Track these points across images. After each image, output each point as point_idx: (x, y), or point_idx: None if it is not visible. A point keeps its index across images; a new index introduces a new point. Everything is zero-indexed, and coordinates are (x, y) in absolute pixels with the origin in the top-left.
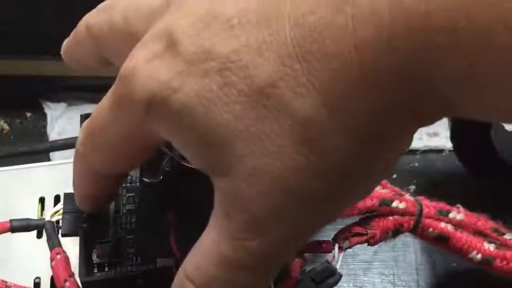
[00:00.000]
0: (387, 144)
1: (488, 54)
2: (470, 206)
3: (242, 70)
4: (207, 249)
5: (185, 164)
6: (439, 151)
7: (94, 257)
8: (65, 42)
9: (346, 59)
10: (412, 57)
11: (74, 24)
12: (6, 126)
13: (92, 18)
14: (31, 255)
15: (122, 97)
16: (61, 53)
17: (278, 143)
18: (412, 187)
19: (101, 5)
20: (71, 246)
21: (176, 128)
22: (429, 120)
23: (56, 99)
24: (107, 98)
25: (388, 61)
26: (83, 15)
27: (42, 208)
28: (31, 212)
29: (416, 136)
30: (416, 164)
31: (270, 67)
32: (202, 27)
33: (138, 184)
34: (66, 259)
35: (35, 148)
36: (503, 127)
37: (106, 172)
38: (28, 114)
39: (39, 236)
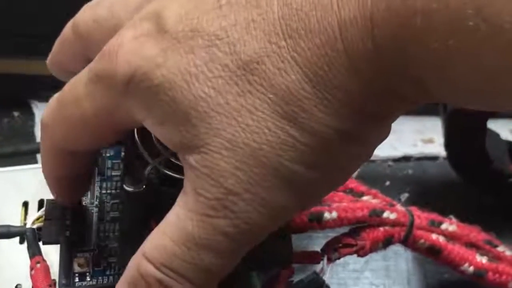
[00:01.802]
0: (369, 122)
1: (460, 35)
2: (464, 214)
3: (228, 46)
4: (171, 227)
5: (169, 173)
6: (434, 158)
7: (75, 266)
8: (52, 51)
9: (329, 37)
10: (391, 37)
11: (62, 23)
12: None
13: (77, 17)
14: (13, 261)
15: (101, 72)
16: (47, 62)
17: (259, 117)
18: (406, 195)
19: (86, 4)
20: (54, 251)
21: (155, 103)
22: (410, 102)
23: (44, 99)
24: (83, 73)
25: (369, 39)
26: (73, 13)
27: (26, 213)
28: (15, 217)
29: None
30: (410, 171)
31: (256, 44)
32: (191, 7)
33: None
34: (46, 268)
35: (21, 149)
36: (498, 135)
37: (71, 148)
38: (16, 114)
39: (21, 241)
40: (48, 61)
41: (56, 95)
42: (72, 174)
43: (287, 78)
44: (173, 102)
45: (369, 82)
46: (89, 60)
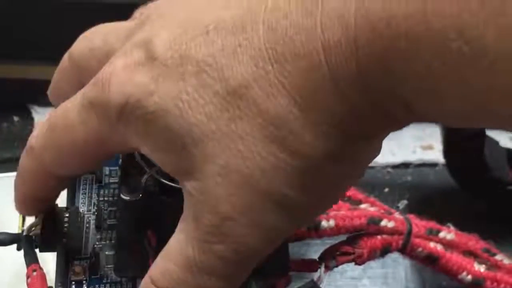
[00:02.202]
0: (358, 142)
1: (444, 58)
2: (462, 222)
3: (217, 72)
4: (174, 253)
5: (165, 182)
6: (433, 165)
7: (72, 274)
8: (52, 81)
9: (315, 60)
10: (376, 60)
11: (63, 29)
12: None
13: (73, 46)
14: (10, 268)
15: (94, 100)
16: (48, 92)
17: (249, 143)
18: (404, 202)
19: (82, 34)
20: (51, 258)
21: (149, 131)
22: (398, 122)
23: (44, 104)
24: (76, 99)
25: (354, 63)
26: (71, 19)
27: (24, 219)
28: (13, 223)
29: (409, 149)
30: (409, 178)
31: (243, 69)
32: (179, 34)
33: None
34: (43, 276)
35: (20, 154)
36: (497, 143)
37: (58, 172)
38: (16, 119)
39: (19, 248)
40: (48, 91)
41: (46, 119)
42: (50, 196)
43: (275, 102)
44: (168, 129)
45: (355, 104)
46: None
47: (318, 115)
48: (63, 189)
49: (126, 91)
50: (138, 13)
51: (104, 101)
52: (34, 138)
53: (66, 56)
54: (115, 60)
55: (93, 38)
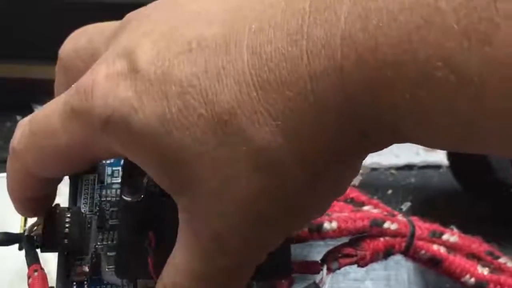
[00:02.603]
0: (341, 167)
1: (429, 86)
2: (466, 224)
3: (201, 94)
4: (181, 266)
5: None
6: (437, 167)
7: (73, 275)
8: None
9: (301, 90)
10: (363, 88)
11: (65, 28)
12: None
13: (61, 48)
14: (11, 267)
15: (77, 108)
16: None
17: (236, 168)
18: (408, 204)
19: (70, 35)
20: (53, 258)
21: (135, 147)
22: (380, 146)
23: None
24: (59, 105)
25: (341, 91)
26: (73, 18)
27: (26, 219)
28: (15, 223)
29: (413, 151)
30: (413, 180)
31: (228, 94)
32: (163, 47)
33: None
34: (44, 277)
35: None
36: None
37: (41, 174)
38: (19, 118)
39: (20, 248)
40: None
41: (27, 120)
42: (39, 196)
43: (260, 130)
44: (155, 148)
45: (341, 131)
46: None
47: (303, 143)
48: (52, 189)
49: (109, 104)
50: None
51: (87, 110)
52: (16, 140)
53: (58, 60)
54: (97, 68)
55: (79, 38)
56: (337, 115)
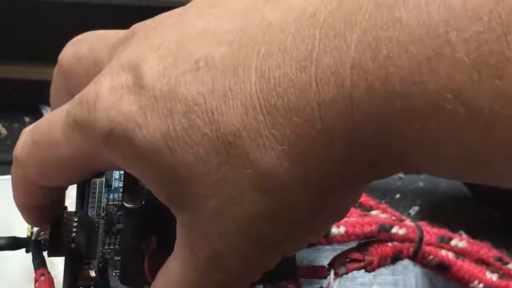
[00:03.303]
0: (344, 194)
1: (439, 118)
2: (474, 229)
3: (207, 114)
4: (175, 277)
5: None
6: None
7: (80, 279)
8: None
9: (309, 116)
10: (372, 117)
11: (74, 30)
12: (4, 131)
13: (61, 54)
14: (19, 270)
15: (80, 120)
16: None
17: (239, 190)
18: (416, 208)
19: (71, 40)
20: (60, 262)
21: (136, 162)
22: (386, 174)
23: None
24: (61, 116)
25: (349, 119)
26: (81, 20)
27: None
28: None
29: None
30: (421, 184)
31: (234, 115)
32: (169, 64)
33: None
34: (50, 281)
35: None
36: None
37: (44, 184)
38: (27, 119)
39: (27, 251)
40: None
41: (29, 130)
42: (44, 203)
43: (266, 154)
44: (157, 164)
45: (348, 160)
46: (73, 96)
47: (308, 170)
48: (58, 197)
49: (112, 117)
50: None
51: (89, 123)
52: (19, 149)
53: (57, 65)
54: (100, 79)
55: (80, 45)
56: (345, 143)
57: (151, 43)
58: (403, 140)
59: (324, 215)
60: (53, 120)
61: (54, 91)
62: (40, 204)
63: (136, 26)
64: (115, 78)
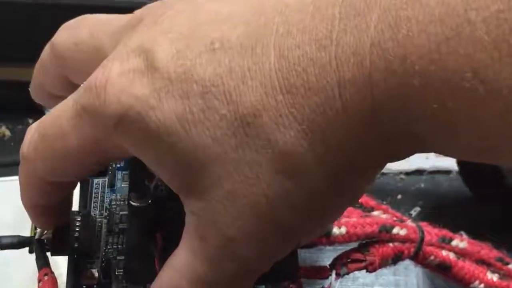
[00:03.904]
0: (360, 175)
1: (457, 96)
2: (475, 230)
3: (224, 95)
4: (184, 270)
5: None
6: (447, 172)
7: (83, 278)
8: (33, 76)
9: (328, 95)
10: (390, 97)
11: None
12: (7, 132)
13: (56, 38)
14: (22, 270)
15: (89, 107)
16: (30, 89)
17: (257, 171)
18: (417, 209)
19: (65, 24)
20: (64, 261)
21: (149, 147)
22: (403, 155)
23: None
24: (68, 106)
25: (368, 99)
26: None
27: None
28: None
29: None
30: (422, 185)
31: (253, 95)
32: (183, 46)
33: None
34: (54, 281)
35: None
36: None
37: (54, 179)
38: (30, 121)
39: (31, 251)
40: (30, 87)
41: (35, 126)
42: (53, 203)
43: (285, 134)
44: (172, 147)
45: (365, 140)
46: (69, 82)
47: (327, 150)
48: (65, 195)
49: (124, 101)
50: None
51: (99, 108)
52: (26, 146)
53: (47, 48)
54: (109, 64)
55: (78, 30)
56: (364, 122)
57: (161, 28)
58: (421, 119)
59: (340, 197)
60: (59, 111)
61: (46, 76)
62: (49, 203)
63: (143, 11)
64: (125, 62)
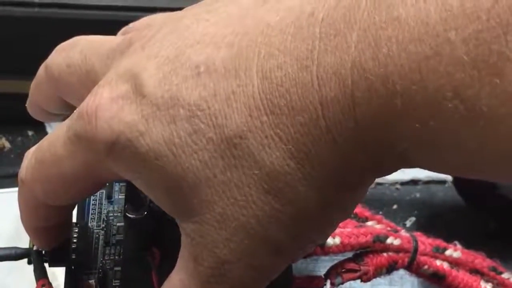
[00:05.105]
0: (349, 192)
1: (439, 115)
2: (470, 239)
3: (211, 118)
4: None
5: None
6: (441, 182)
7: None
8: (29, 93)
9: (312, 115)
10: (373, 116)
11: None
12: (7, 144)
13: (50, 59)
14: (20, 281)
15: (81, 134)
16: (27, 105)
17: (245, 192)
18: (413, 219)
19: (59, 46)
20: (62, 272)
21: (141, 171)
22: (388, 171)
23: (58, 118)
24: (62, 132)
25: (351, 118)
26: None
27: None
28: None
29: None
30: (418, 195)
31: (238, 118)
32: (169, 71)
33: None
34: None
35: None
36: None
37: (51, 203)
38: (30, 133)
39: (29, 262)
40: (27, 104)
41: (33, 150)
42: (52, 225)
43: (271, 154)
44: (161, 172)
45: (351, 158)
46: (64, 101)
47: (313, 169)
48: (65, 217)
49: (115, 128)
50: (122, 33)
51: (91, 135)
52: (24, 170)
53: (42, 68)
54: (99, 91)
55: (71, 52)
56: (348, 141)
57: (148, 53)
58: (404, 138)
59: (330, 213)
60: (54, 137)
61: (41, 96)
62: (49, 225)
63: (133, 36)
64: (114, 88)
